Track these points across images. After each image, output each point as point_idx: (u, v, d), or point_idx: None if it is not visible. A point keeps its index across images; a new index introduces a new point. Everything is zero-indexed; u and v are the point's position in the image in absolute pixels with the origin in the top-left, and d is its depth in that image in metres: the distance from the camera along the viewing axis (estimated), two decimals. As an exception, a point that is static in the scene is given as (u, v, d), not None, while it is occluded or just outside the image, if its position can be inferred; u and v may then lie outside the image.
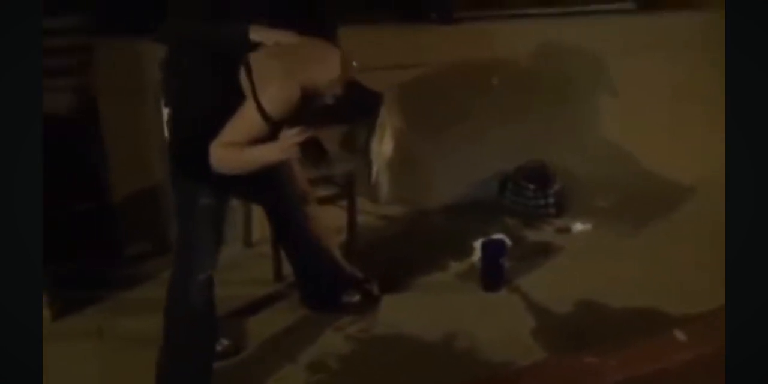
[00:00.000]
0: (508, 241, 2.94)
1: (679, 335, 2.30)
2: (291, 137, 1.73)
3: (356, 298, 2.55)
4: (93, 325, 2.50)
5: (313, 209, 2.41)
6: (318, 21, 2.01)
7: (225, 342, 2.30)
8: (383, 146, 1.88)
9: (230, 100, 1.77)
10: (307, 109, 1.80)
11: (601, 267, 2.78)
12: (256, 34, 1.79)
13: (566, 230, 3.15)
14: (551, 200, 3.24)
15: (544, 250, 2.97)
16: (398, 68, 2.89)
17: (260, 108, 1.73)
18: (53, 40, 2.50)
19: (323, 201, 2.63)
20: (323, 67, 1.82)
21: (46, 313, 2.51)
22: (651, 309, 2.47)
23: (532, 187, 3.24)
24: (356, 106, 1.87)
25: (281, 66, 1.77)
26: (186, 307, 1.95)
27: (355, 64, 1.93)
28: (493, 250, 2.61)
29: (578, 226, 3.16)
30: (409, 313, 2.52)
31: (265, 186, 2.07)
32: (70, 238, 2.76)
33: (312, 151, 1.84)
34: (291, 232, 2.37)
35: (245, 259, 2.92)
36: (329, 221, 2.70)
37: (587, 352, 2.23)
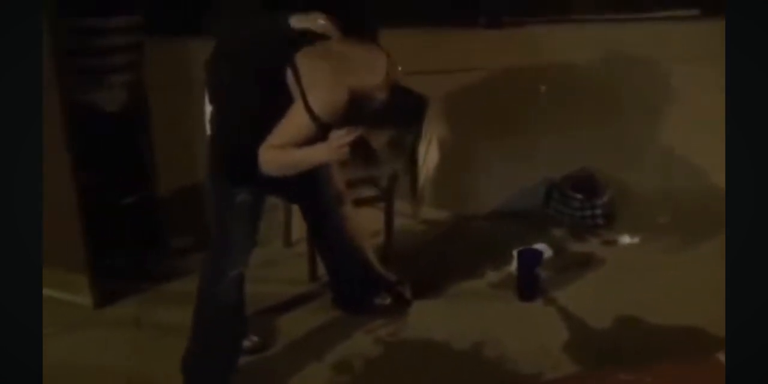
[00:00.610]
0: (549, 251, 2.88)
1: (723, 358, 2.19)
2: (340, 138, 1.72)
3: (388, 301, 2.53)
4: (131, 314, 2.57)
5: (349, 210, 2.41)
6: (359, 21, 2.00)
7: (254, 338, 2.32)
8: (430, 152, 1.86)
9: (277, 102, 1.78)
10: (355, 112, 1.80)
11: (645, 282, 2.67)
12: (298, 21, 1.78)
13: (612, 242, 3.04)
14: (598, 211, 3.13)
15: (586, 262, 2.87)
16: (443, 73, 2.87)
17: (309, 110, 1.73)
18: (108, 39, 2.62)
19: (360, 202, 2.62)
20: (370, 69, 1.82)
21: (88, 301, 2.60)
22: (694, 329, 2.36)
23: (579, 197, 3.14)
24: (402, 109, 1.86)
25: (329, 68, 1.77)
26: (215, 303, 1.97)
27: (399, 68, 1.92)
28: (528, 259, 2.55)
29: (626, 239, 3.05)
30: (441, 319, 2.49)
31: (302, 185, 2.08)
32: (117, 229, 2.85)
33: (361, 151, 1.83)
34: (325, 232, 2.38)
35: (283, 258, 2.94)
36: (366, 223, 2.71)
37: (621, 369, 2.17)
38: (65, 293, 2.63)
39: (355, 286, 2.52)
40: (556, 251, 2.95)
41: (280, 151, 1.75)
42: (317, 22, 1.76)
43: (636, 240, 3.04)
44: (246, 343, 2.29)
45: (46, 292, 2.64)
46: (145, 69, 2.73)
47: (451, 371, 2.21)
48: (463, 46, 3.06)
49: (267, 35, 1.80)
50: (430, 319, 2.50)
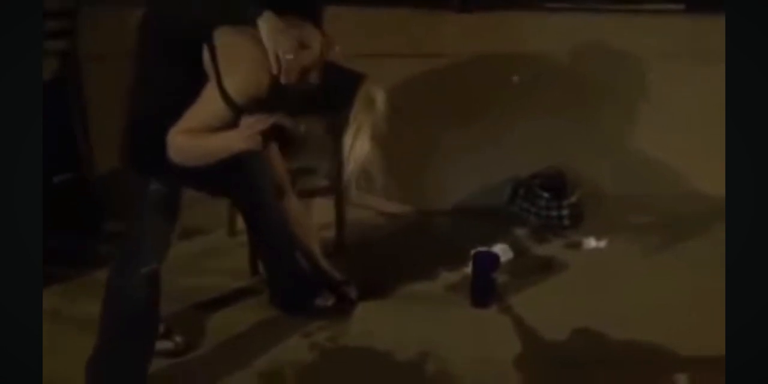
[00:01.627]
0: (509, 253, 2.71)
1: (681, 381, 2.05)
2: (251, 125, 1.53)
3: (330, 302, 2.35)
4: (51, 305, 2.35)
5: (293, 203, 2.21)
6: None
7: (177, 339, 2.13)
8: (358, 139, 1.65)
9: (193, 84, 1.58)
10: (278, 95, 1.60)
11: (608, 291, 2.51)
12: None
13: (577, 245, 2.87)
14: (565, 212, 2.96)
15: (548, 266, 2.70)
16: (408, 57, 2.67)
17: (224, 93, 1.54)
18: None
19: (306, 194, 2.43)
20: (300, 51, 1.62)
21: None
22: (656, 346, 2.20)
23: (546, 195, 2.97)
24: (332, 92, 1.66)
25: (251, 47, 1.56)
26: (124, 301, 1.79)
27: (337, 48, 1.72)
28: (484, 262, 2.38)
29: (591, 243, 2.87)
30: (386, 324, 2.31)
31: (227, 177, 1.87)
32: (46, 210, 2.62)
33: (281, 140, 1.64)
34: (260, 226, 2.18)
35: (226, 248, 2.75)
36: (313, 216, 2.52)
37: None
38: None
39: (295, 284, 2.33)
40: (516, 253, 2.78)
41: (190, 138, 1.55)
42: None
43: (602, 244, 2.87)
44: (167, 345, 2.10)
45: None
46: (80, 37, 2.49)
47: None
48: (432, 29, 2.85)
49: (190, 5, 1.59)
50: (374, 323, 2.32)
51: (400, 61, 2.83)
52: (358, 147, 1.63)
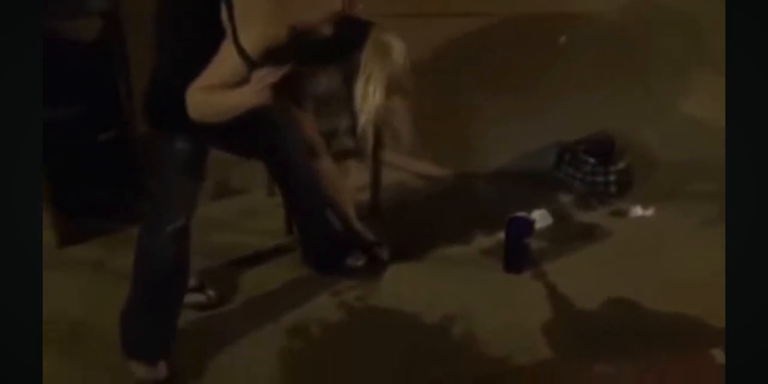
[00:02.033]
0: (548, 219, 2.65)
1: (719, 356, 1.96)
2: (262, 79, 1.50)
3: (361, 262, 2.35)
4: (95, 256, 2.45)
5: (326, 163, 2.20)
6: None
7: (210, 293, 2.18)
8: (369, 89, 1.59)
9: (212, 41, 1.56)
10: (293, 49, 1.56)
11: (650, 262, 2.42)
12: None
13: (623, 214, 2.77)
14: (612, 178, 2.85)
15: (589, 234, 2.62)
16: (446, 17, 2.56)
17: (239, 49, 1.52)
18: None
19: (341, 156, 2.40)
20: (318, 6, 1.58)
21: (53, 239, 2.49)
22: (694, 319, 2.11)
23: (592, 161, 2.86)
24: (343, 42, 1.61)
25: (266, 3, 1.53)
26: (152, 257, 1.82)
27: (361, 7, 1.66)
28: (518, 227, 2.31)
29: (638, 211, 2.77)
30: (416, 286, 2.30)
31: (252, 136, 1.87)
32: (91, 166, 2.71)
33: (294, 94, 1.61)
34: (292, 187, 2.18)
35: (264, 208, 2.77)
36: (349, 178, 2.51)
37: (601, 360, 1.97)
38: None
39: (327, 244, 2.33)
40: (557, 219, 2.70)
41: (207, 95, 1.54)
42: None
43: (649, 213, 2.76)
44: (200, 298, 2.16)
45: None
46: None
47: (412, 347, 2.03)
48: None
49: None
50: (405, 285, 2.31)
51: (434, 21, 2.73)
52: (369, 97, 1.58)
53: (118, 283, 2.18)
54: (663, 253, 2.48)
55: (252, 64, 1.52)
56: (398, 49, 1.63)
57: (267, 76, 1.49)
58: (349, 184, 2.50)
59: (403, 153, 2.98)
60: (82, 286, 2.28)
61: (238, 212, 2.76)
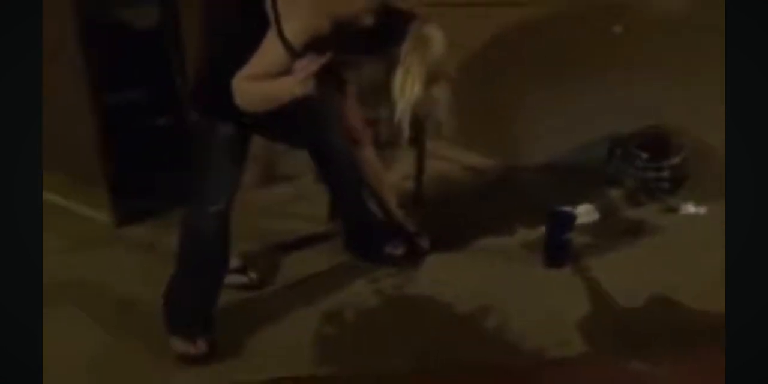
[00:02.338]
0: (594, 214, 2.61)
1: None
2: (303, 69, 1.53)
3: (400, 250, 2.37)
4: (149, 236, 2.56)
5: (368, 152, 2.23)
6: None
7: (252, 275, 2.25)
8: (408, 81, 1.62)
9: (258, 31, 1.60)
10: (335, 40, 1.59)
11: (698, 261, 2.34)
12: None
13: (674, 211, 2.69)
14: (665, 174, 2.77)
15: (636, 230, 2.56)
16: (494, 5, 2.53)
17: (283, 39, 1.55)
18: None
19: (384, 145, 2.42)
20: None
21: (111, 219, 2.62)
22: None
23: (644, 156, 2.79)
24: (385, 33, 1.62)
25: None
26: (194, 237, 1.88)
27: None
28: (559, 221, 2.28)
29: (690, 209, 2.69)
30: (453, 276, 2.31)
31: (296, 126, 1.91)
32: (148, 150, 2.83)
33: (336, 83, 1.64)
34: (334, 174, 2.22)
35: (310, 194, 2.82)
36: (391, 166, 2.53)
37: (637, 357, 1.93)
38: (88, 209, 2.66)
39: (367, 232, 2.37)
40: (605, 215, 2.65)
41: (252, 84, 1.58)
42: None
43: (702, 210, 2.68)
44: (242, 279, 2.22)
45: (71, 206, 2.70)
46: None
47: (443, 336, 2.03)
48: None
49: None
50: (442, 274, 2.32)
51: (481, 11, 2.70)
52: (407, 89, 1.60)
53: (167, 262, 2.30)
54: (709, 254, 2.39)
55: (295, 54, 1.55)
56: (438, 40, 1.64)
57: (309, 66, 1.52)
58: (394, 173, 2.52)
59: (450, 144, 2.98)
60: (133, 264, 2.39)
61: (286, 197, 2.82)
